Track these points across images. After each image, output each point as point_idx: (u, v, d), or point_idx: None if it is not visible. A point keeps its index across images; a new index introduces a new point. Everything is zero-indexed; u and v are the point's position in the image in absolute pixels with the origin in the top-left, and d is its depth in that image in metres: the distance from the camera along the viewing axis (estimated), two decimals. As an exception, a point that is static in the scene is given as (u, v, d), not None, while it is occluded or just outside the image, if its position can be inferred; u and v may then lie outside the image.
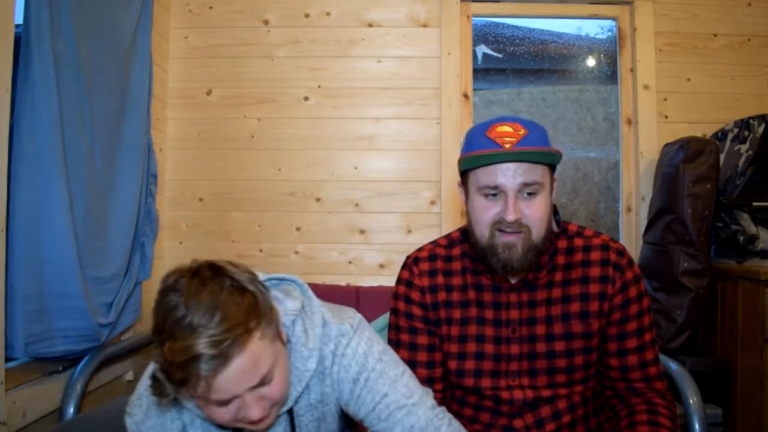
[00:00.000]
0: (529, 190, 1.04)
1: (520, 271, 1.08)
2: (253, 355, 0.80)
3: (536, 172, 1.04)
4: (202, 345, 0.75)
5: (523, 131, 1.03)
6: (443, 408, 1.02)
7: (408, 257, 1.24)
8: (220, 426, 0.94)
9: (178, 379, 0.78)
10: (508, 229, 1.05)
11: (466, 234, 1.22)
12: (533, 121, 1.08)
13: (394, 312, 1.22)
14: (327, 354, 0.98)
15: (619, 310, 1.12)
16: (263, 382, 0.83)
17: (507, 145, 1.02)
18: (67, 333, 1.37)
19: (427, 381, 1.17)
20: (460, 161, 1.10)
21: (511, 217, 1.03)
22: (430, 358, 1.18)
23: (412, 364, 1.16)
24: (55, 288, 1.33)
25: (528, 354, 1.13)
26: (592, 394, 1.17)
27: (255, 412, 0.82)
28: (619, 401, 1.15)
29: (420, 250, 1.24)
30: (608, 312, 1.13)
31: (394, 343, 1.20)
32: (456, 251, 1.21)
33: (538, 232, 1.06)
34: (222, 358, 0.76)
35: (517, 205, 1.03)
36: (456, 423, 1.01)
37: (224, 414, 0.83)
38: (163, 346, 0.78)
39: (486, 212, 1.06)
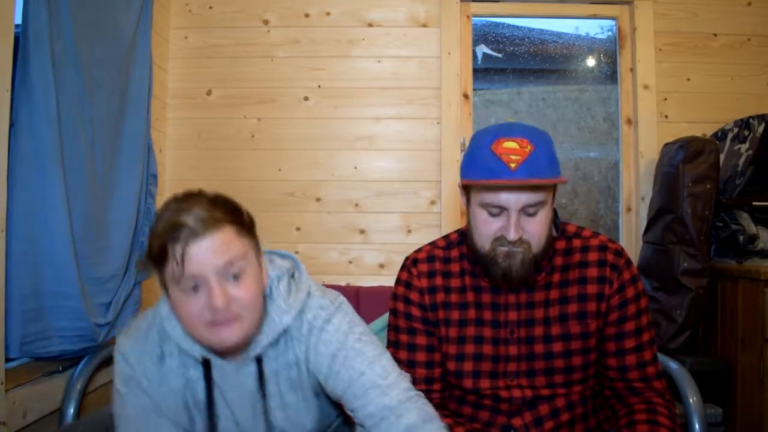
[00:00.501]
0: (531, 210, 1.04)
1: (519, 280, 1.09)
2: (225, 239, 0.91)
3: (539, 193, 1.04)
4: (186, 218, 0.89)
5: (529, 148, 1.02)
6: (419, 393, 1.03)
7: (407, 258, 1.24)
8: (195, 362, 1.02)
9: (158, 252, 0.89)
10: (509, 245, 1.06)
11: (464, 236, 1.22)
12: (540, 133, 1.07)
13: (393, 313, 1.22)
14: (305, 321, 1.02)
15: (617, 310, 1.12)
16: (232, 272, 0.91)
17: (513, 165, 1.00)
18: (65, 333, 1.36)
19: (425, 381, 1.17)
20: (462, 171, 1.09)
21: (513, 236, 1.04)
22: (429, 359, 1.18)
23: (411, 364, 1.17)
24: (52, 288, 1.33)
25: (526, 355, 1.13)
26: (591, 393, 1.17)
27: (218, 297, 0.89)
28: (618, 401, 1.15)
29: (418, 251, 1.24)
30: (606, 312, 1.13)
31: (394, 344, 1.20)
32: (454, 253, 1.21)
33: (538, 244, 1.07)
34: (200, 231, 0.88)
35: (519, 223, 1.04)
36: (429, 408, 1.01)
37: (194, 305, 0.90)
38: (153, 230, 0.92)
39: (488, 227, 1.07)
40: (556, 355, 1.12)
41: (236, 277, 0.92)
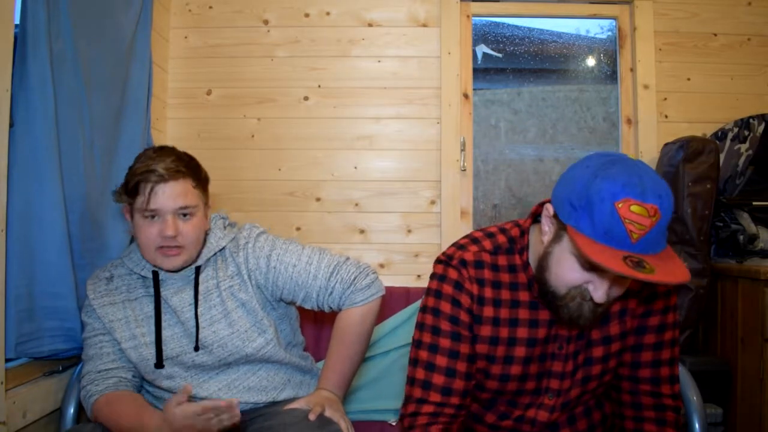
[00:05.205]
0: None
1: (584, 327, 1.02)
2: (185, 188, 1.23)
3: None
4: (157, 166, 1.19)
5: (656, 217, 0.88)
6: (339, 261, 1.31)
7: (452, 257, 1.09)
8: (141, 282, 1.32)
9: (133, 186, 1.20)
10: (589, 301, 0.97)
11: (513, 242, 1.09)
12: (667, 193, 0.92)
13: (434, 312, 1.07)
14: (241, 238, 1.35)
15: (639, 317, 1.10)
16: (185, 213, 1.23)
17: (635, 236, 0.87)
18: (54, 333, 1.35)
19: (462, 395, 1.06)
20: (566, 210, 0.93)
21: (601, 299, 0.94)
22: (468, 369, 1.06)
23: (450, 373, 1.05)
24: (45, 288, 1.32)
25: (571, 372, 1.09)
26: (603, 390, 1.17)
27: (170, 228, 1.20)
28: (620, 418, 1.15)
29: (463, 249, 1.09)
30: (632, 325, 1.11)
31: (427, 347, 1.06)
32: (502, 260, 1.08)
33: (613, 301, 1.02)
34: (166, 177, 1.19)
35: (609, 286, 0.95)
36: (348, 274, 1.30)
37: (151, 229, 1.21)
38: (131, 169, 1.22)
39: (573, 276, 0.95)
40: (595, 361, 1.09)
41: (185, 216, 1.23)
